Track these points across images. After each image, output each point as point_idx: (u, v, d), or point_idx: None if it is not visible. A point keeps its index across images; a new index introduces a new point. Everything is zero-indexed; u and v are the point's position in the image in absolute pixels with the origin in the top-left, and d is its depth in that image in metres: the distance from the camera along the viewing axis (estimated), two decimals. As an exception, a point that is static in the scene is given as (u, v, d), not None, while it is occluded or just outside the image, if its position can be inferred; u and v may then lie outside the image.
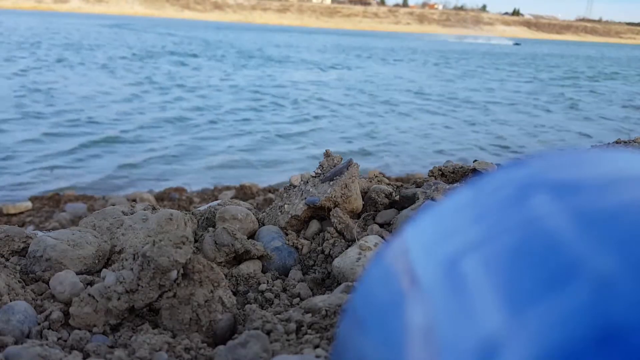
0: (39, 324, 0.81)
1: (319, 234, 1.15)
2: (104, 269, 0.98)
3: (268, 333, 0.76)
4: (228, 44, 28.98)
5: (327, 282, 1.03)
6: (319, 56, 24.91)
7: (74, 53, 18.15)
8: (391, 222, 1.15)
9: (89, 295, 0.81)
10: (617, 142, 1.73)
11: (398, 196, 1.23)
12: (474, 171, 1.34)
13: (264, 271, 1.06)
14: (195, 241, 1.09)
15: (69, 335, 0.79)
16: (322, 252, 1.08)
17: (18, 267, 0.97)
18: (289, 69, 17.84)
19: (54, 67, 13.92)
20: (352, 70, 19.07)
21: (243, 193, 5.07)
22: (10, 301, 0.83)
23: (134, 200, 4.46)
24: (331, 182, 1.17)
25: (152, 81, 12.85)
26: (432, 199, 1.13)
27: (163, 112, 9.31)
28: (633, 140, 1.75)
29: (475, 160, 1.41)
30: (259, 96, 11.60)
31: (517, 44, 65.46)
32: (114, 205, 1.24)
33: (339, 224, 1.11)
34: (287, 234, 1.14)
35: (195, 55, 20.74)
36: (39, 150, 6.45)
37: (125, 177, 5.79)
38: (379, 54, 28.94)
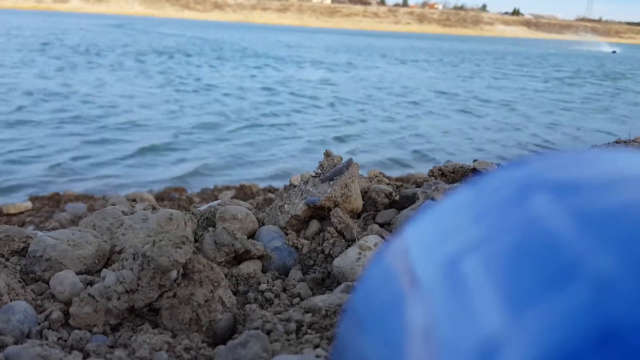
0: (39, 323, 0.81)
1: (319, 234, 1.15)
2: (104, 269, 0.98)
3: (268, 333, 0.76)
4: (236, 45, 28.79)
5: (327, 282, 1.03)
6: (333, 57, 24.80)
7: (85, 54, 18.00)
8: (391, 222, 1.15)
9: (89, 295, 0.81)
10: (617, 142, 1.73)
11: (398, 196, 1.23)
12: (474, 171, 1.34)
13: (264, 271, 1.06)
14: (195, 241, 1.09)
15: (69, 335, 0.79)
16: (322, 252, 1.08)
17: (18, 267, 0.97)
18: (306, 70, 17.77)
19: (69, 70, 13.74)
20: (390, 72, 18.90)
21: (243, 193, 5.07)
22: (10, 301, 0.83)
23: (134, 200, 4.46)
24: (331, 182, 1.17)
25: (170, 82, 12.72)
26: (432, 199, 1.13)
27: (184, 113, 9.17)
28: (633, 140, 1.75)
29: (475, 160, 1.41)
30: (286, 98, 11.49)
31: (614, 51, 55.90)
32: (114, 205, 1.24)
33: (339, 223, 1.11)
34: (287, 234, 1.14)
35: (206, 56, 20.66)
36: (41, 150, 6.44)
37: (128, 176, 5.77)
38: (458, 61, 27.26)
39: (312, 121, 9.22)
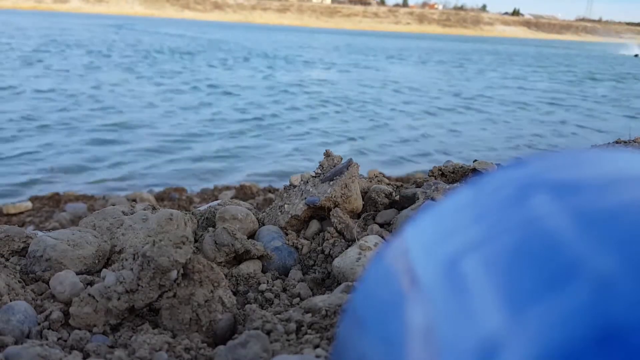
0: (39, 324, 0.81)
1: (319, 234, 1.15)
2: (104, 269, 0.98)
3: (268, 333, 0.76)
4: (247, 46, 28.45)
5: (327, 282, 1.03)
6: (349, 57, 24.65)
7: (105, 55, 17.76)
8: (391, 222, 1.15)
9: (89, 295, 0.81)
10: (617, 142, 1.73)
11: (398, 196, 1.23)
12: (474, 171, 1.34)
13: (264, 271, 1.06)
14: (195, 241, 1.09)
15: (69, 335, 0.79)
16: (322, 252, 1.08)
17: (18, 267, 0.97)
18: (330, 71, 17.65)
19: (96, 72, 13.44)
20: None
21: (243, 193, 5.07)
22: (10, 301, 0.83)
23: (134, 200, 4.46)
24: (331, 182, 1.17)
25: (199, 83, 12.53)
26: (432, 199, 1.13)
27: (209, 116, 8.96)
28: (633, 140, 1.75)
29: (475, 160, 1.41)
30: (322, 100, 11.30)
31: (636, 55, 47.89)
32: (114, 205, 1.24)
33: (339, 224, 1.11)
34: (287, 234, 1.14)
35: (222, 57, 20.52)
36: (42, 150, 6.41)
37: (129, 176, 5.73)
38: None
39: (354, 127, 9.01)
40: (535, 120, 10.52)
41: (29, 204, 4.55)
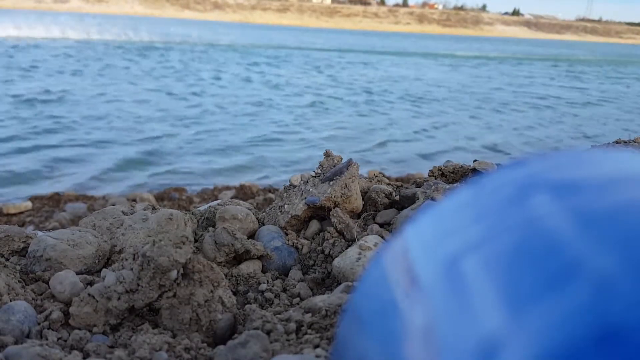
0: (39, 323, 0.81)
1: (319, 234, 1.15)
2: (104, 269, 0.98)
3: (268, 333, 0.76)
4: (269, 46, 28.40)
5: (327, 282, 1.03)
6: (373, 57, 24.67)
7: (144, 57, 17.59)
8: (391, 222, 1.15)
9: (89, 295, 0.81)
10: (617, 142, 1.73)
11: (398, 196, 1.23)
12: (474, 171, 1.34)
13: (264, 271, 1.06)
14: (195, 241, 1.09)
15: (69, 335, 0.79)
16: (322, 252, 1.08)
17: (18, 267, 0.97)
18: (373, 71, 17.64)
19: (158, 77, 13.14)
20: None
21: (243, 193, 5.07)
22: (10, 301, 0.83)
23: (134, 200, 4.46)
24: (331, 182, 1.17)
25: (268, 85, 12.42)
26: (432, 199, 1.13)
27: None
28: (633, 140, 1.75)
29: (475, 160, 1.41)
30: (394, 99, 11.25)
31: None
32: (114, 205, 1.24)
33: (339, 223, 1.11)
34: (287, 234, 1.14)
35: (264, 58, 20.37)
36: (44, 150, 6.40)
37: (132, 176, 5.72)
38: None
39: (457, 132, 8.84)
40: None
41: (29, 204, 4.55)
